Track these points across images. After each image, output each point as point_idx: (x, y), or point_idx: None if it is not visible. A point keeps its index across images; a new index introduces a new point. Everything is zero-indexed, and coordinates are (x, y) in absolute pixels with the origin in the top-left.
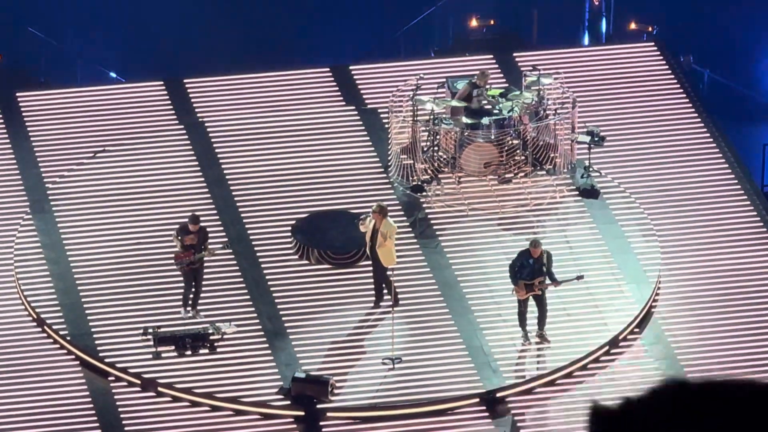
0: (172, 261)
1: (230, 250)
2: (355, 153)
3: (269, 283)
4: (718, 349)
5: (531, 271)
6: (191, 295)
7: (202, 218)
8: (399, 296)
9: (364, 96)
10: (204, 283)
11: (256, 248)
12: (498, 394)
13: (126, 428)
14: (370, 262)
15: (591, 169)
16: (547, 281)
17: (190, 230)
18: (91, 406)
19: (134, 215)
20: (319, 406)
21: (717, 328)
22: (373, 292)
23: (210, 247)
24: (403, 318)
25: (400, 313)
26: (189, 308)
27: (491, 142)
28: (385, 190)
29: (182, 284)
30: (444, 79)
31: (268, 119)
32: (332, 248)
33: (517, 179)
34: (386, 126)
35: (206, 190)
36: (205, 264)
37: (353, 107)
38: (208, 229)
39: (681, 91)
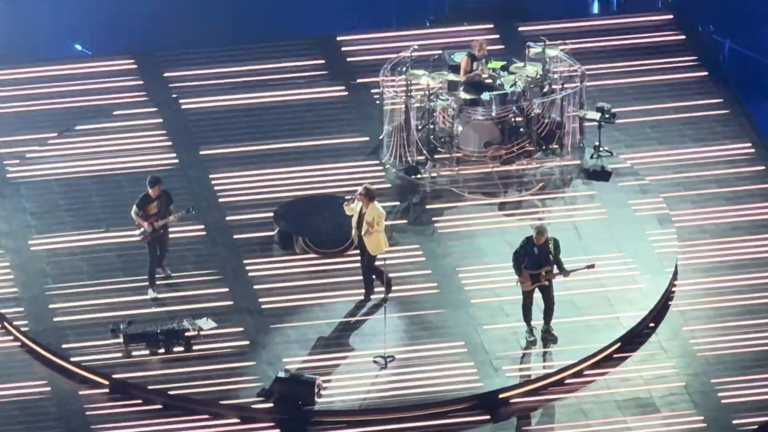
0: (142, 245)
1: (195, 212)
2: (342, 132)
3: (249, 274)
4: (741, 345)
5: (536, 260)
6: (159, 267)
7: (175, 202)
8: (392, 288)
9: (353, 69)
10: (180, 273)
11: (235, 236)
12: (500, 396)
13: None
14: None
15: (601, 148)
16: (555, 271)
17: (152, 197)
18: (56, 409)
19: (102, 201)
20: (304, 408)
21: (740, 322)
22: (362, 284)
23: (175, 212)
24: (395, 312)
25: (392, 306)
26: (157, 289)
27: (492, 120)
28: (375, 173)
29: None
30: (440, 51)
31: (247, 96)
32: (318, 236)
33: (521, 160)
34: (377, 102)
35: (181, 172)
36: (180, 249)
37: (341, 82)
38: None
39: (699, 63)
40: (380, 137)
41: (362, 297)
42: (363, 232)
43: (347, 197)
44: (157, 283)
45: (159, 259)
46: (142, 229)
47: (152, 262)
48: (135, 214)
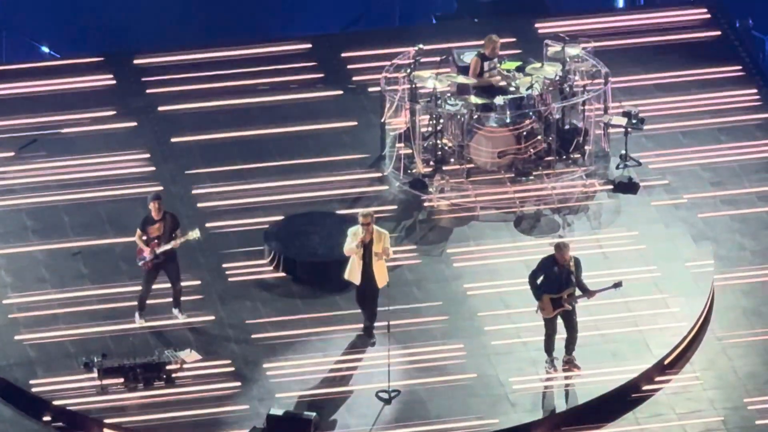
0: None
1: (200, 239)
2: (341, 141)
3: (238, 300)
4: None
5: (557, 282)
6: (176, 309)
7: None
8: (391, 322)
9: (351, 72)
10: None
11: (221, 258)
12: None
13: None
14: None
15: (628, 158)
16: (577, 293)
17: (154, 218)
18: None
19: (73, 219)
20: None
21: None
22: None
23: (179, 236)
24: (401, 341)
25: (397, 335)
26: (143, 314)
27: (506, 127)
28: (377, 187)
29: (139, 288)
30: (448, 51)
31: (234, 103)
32: (314, 258)
33: (539, 171)
34: (379, 108)
35: (161, 188)
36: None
37: (338, 86)
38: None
39: (737, 62)
40: (382, 152)
41: (363, 325)
42: (374, 260)
43: (355, 245)
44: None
45: (174, 298)
46: (142, 255)
47: (145, 288)
48: (138, 238)
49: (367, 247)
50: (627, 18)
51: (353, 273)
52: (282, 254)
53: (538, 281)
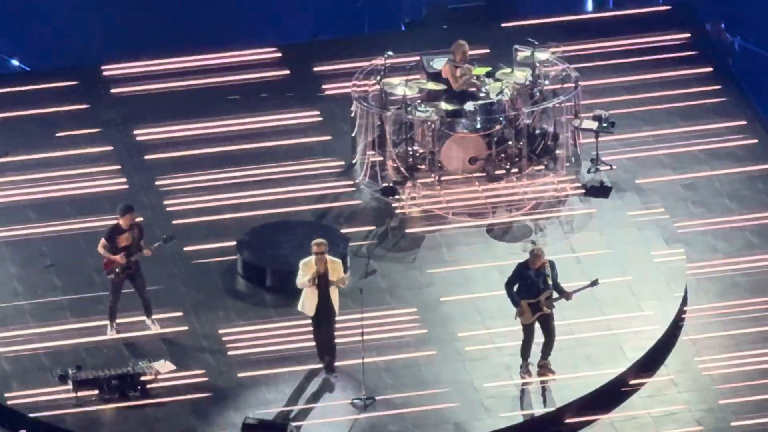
0: (103, 274)
1: (173, 241)
2: (311, 149)
3: (211, 310)
4: (760, 377)
5: (534, 286)
6: (148, 320)
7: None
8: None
9: (321, 80)
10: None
11: (194, 267)
12: None
13: None
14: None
15: (600, 161)
16: (555, 295)
17: (123, 227)
18: None
19: (45, 231)
20: None
21: (756, 351)
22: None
23: (147, 246)
24: (374, 349)
25: (370, 343)
26: (114, 326)
27: (477, 133)
28: (349, 194)
29: (109, 300)
30: (418, 57)
31: (204, 113)
32: (286, 267)
33: (510, 177)
34: (349, 116)
35: (132, 198)
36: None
37: (308, 93)
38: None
39: (708, 64)
40: (353, 155)
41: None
42: (332, 287)
43: (311, 278)
44: (119, 321)
45: (146, 308)
46: (112, 267)
47: (114, 300)
48: (102, 248)
49: (321, 277)
50: (596, 20)
51: (307, 305)
52: (254, 263)
53: (515, 288)
